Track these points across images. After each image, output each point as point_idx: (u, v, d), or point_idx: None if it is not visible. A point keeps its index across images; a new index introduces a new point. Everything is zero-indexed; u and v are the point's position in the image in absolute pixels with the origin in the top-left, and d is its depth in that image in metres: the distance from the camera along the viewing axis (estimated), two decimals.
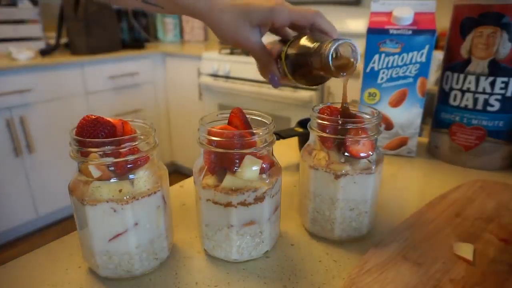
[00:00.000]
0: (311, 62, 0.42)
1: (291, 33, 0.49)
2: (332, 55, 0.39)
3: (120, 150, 0.34)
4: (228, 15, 0.45)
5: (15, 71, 1.75)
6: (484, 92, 0.62)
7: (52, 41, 2.12)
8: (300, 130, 0.66)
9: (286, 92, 1.80)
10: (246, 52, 1.94)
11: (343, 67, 0.41)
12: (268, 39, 0.51)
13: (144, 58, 2.27)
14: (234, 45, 0.49)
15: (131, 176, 0.36)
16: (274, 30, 0.49)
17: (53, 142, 1.92)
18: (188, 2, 0.46)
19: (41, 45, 2.11)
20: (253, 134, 0.37)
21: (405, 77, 0.66)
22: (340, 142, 0.41)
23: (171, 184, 0.47)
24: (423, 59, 0.64)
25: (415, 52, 0.64)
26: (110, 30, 2.18)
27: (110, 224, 0.36)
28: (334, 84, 1.70)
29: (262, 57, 0.48)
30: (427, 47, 0.63)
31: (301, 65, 0.44)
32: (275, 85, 0.49)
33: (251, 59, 0.50)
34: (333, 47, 0.38)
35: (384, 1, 0.69)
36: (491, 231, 0.44)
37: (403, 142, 0.70)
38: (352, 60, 0.41)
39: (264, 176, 0.38)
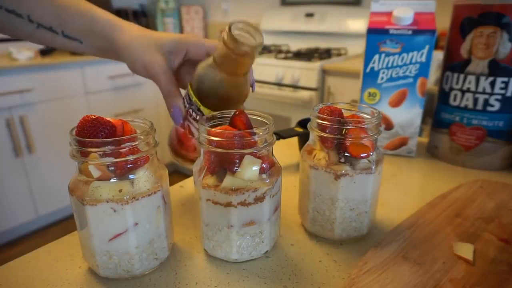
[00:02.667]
0: (214, 75, 0.42)
1: None
2: (232, 32, 0.39)
3: (120, 150, 0.34)
4: (139, 43, 0.45)
5: (15, 71, 1.75)
6: (484, 92, 0.62)
7: None
8: (300, 130, 0.66)
9: (286, 92, 1.80)
10: None
11: (246, 55, 0.40)
12: None
13: None
14: (143, 73, 0.47)
15: (131, 176, 0.36)
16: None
17: (53, 142, 1.92)
18: (103, 29, 0.46)
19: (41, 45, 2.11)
20: (253, 134, 0.37)
21: (405, 77, 0.66)
22: (340, 142, 0.41)
23: (171, 184, 0.47)
24: (423, 59, 0.64)
25: (415, 52, 0.64)
26: None
27: (110, 224, 0.36)
28: (334, 84, 1.70)
29: (166, 85, 0.46)
30: (427, 47, 0.63)
31: (207, 86, 0.43)
32: (177, 119, 0.46)
33: None
34: (232, 26, 0.39)
35: (384, 1, 0.69)
36: (491, 231, 0.44)
37: (403, 142, 0.70)
38: (252, 43, 0.40)
39: (264, 176, 0.38)
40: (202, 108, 0.44)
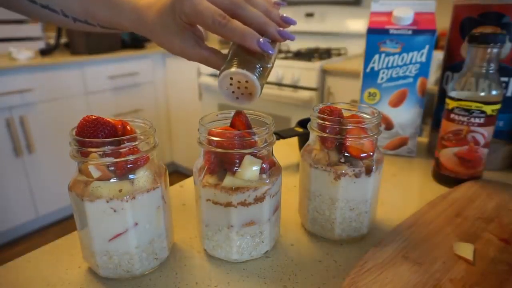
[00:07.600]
0: None
1: None
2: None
3: (120, 150, 0.34)
4: (155, 28, 0.40)
5: (15, 71, 1.74)
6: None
7: (52, 41, 2.12)
8: (300, 130, 0.66)
9: (286, 92, 1.80)
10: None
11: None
12: None
13: (144, 58, 2.27)
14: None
15: (131, 176, 0.36)
16: None
17: (53, 142, 1.92)
18: (119, 21, 0.43)
19: (41, 45, 2.11)
20: (253, 134, 0.37)
21: (405, 77, 0.66)
22: (340, 142, 0.41)
23: (171, 184, 0.47)
24: (423, 59, 0.64)
25: (415, 52, 0.64)
26: None
27: (110, 224, 0.36)
28: (334, 84, 1.70)
29: (211, 65, 0.41)
30: (427, 47, 0.63)
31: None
32: (269, 48, 0.39)
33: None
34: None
35: (384, 1, 0.69)
36: (491, 231, 0.44)
37: (403, 142, 0.70)
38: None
39: (264, 176, 0.38)
40: None
